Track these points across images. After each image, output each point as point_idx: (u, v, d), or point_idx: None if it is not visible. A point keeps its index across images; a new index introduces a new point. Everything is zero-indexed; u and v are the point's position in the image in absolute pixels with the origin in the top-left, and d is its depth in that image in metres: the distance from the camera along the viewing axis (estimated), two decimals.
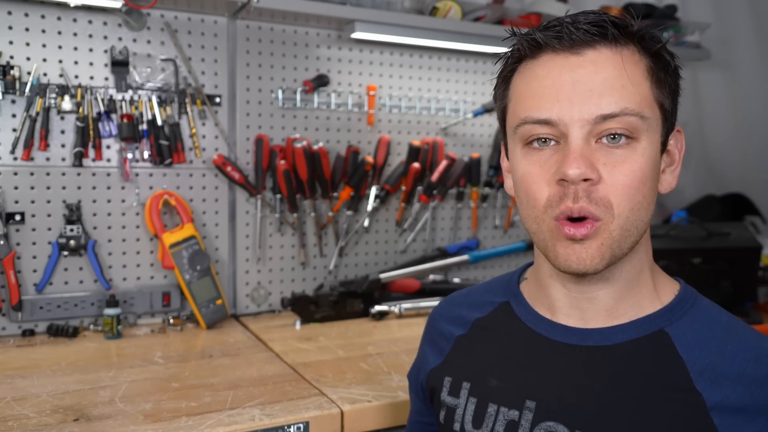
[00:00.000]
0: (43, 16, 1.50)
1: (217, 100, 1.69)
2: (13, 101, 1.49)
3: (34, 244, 1.53)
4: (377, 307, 1.71)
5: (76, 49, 1.54)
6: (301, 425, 1.06)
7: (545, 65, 0.71)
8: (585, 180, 0.67)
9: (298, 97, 1.79)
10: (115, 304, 1.52)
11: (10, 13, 1.47)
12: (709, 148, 2.57)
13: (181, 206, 1.62)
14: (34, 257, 1.53)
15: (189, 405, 1.09)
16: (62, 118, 1.54)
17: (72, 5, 1.50)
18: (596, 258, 0.69)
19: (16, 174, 1.50)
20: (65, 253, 1.55)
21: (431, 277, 1.93)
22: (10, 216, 1.49)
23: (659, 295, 0.76)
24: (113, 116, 1.58)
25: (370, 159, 1.82)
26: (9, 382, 1.19)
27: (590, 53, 0.69)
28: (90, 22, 1.55)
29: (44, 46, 1.51)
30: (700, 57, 2.21)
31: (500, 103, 0.79)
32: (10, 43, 1.48)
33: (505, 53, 0.77)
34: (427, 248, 2.01)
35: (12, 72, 1.47)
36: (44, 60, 1.51)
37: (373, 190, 1.88)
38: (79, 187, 1.56)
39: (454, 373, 0.85)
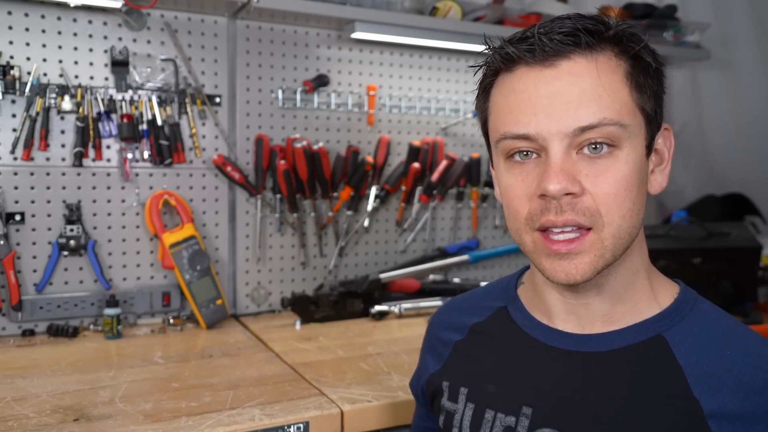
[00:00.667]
0: (43, 16, 1.50)
1: (217, 100, 1.69)
2: (13, 101, 1.49)
3: (34, 244, 1.53)
4: (377, 307, 1.71)
5: (76, 49, 1.54)
6: (301, 425, 1.06)
7: (521, 78, 0.70)
8: (568, 194, 0.66)
9: (298, 97, 1.79)
10: (115, 304, 1.52)
11: (10, 13, 1.47)
12: (709, 148, 2.57)
13: (181, 206, 1.62)
14: (34, 257, 1.53)
15: (189, 405, 1.09)
16: (62, 118, 1.54)
17: (72, 5, 1.50)
18: (588, 272, 0.68)
19: (16, 174, 1.50)
20: (65, 253, 1.55)
21: (431, 277, 1.93)
22: (10, 216, 1.49)
23: (657, 299, 0.75)
24: (113, 116, 1.58)
25: (370, 159, 1.82)
26: (9, 382, 1.19)
27: (565, 64, 0.68)
28: (90, 22, 1.55)
29: (44, 46, 1.51)
30: (700, 57, 2.21)
31: (481, 115, 0.78)
32: (10, 43, 1.48)
33: (480, 66, 0.76)
34: (427, 248, 2.01)
35: (12, 72, 1.47)
36: (44, 60, 1.51)
37: (373, 190, 1.88)
38: (79, 187, 1.56)
39: (453, 378, 0.85)
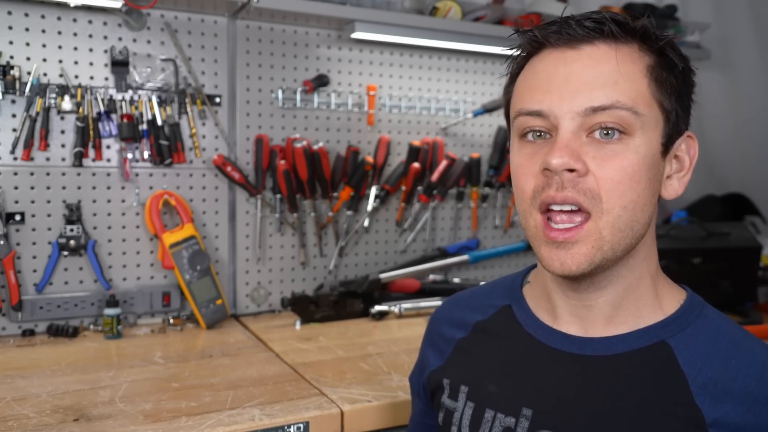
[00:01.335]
0: (43, 16, 1.50)
1: (217, 100, 1.69)
2: (13, 101, 1.49)
3: (34, 244, 1.53)
4: (377, 307, 1.71)
5: (76, 49, 1.54)
6: (301, 425, 1.06)
7: (543, 59, 0.72)
8: (571, 171, 0.66)
9: (298, 97, 1.79)
10: (115, 304, 1.52)
11: (10, 13, 1.47)
12: (709, 148, 2.57)
13: (181, 206, 1.62)
14: (34, 257, 1.53)
15: (189, 405, 1.09)
16: (62, 118, 1.54)
17: (72, 5, 1.50)
18: (583, 263, 0.68)
19: (16, 174, 1.50)
20: (65, 253, 1.55)
21: (431, 277, 1.93)
22: (10, 216, 1.49)
23: (662, 305, 0.74)
24: (113, 116, 1.58)
25: (370, 159, 1.82)
26: (9, 382, 1.19)
27: (587, 48, 0.69)
28: (90, 22, 1.55)
29: (44, 46, 1.51)
30: (700, 57, 2.21)
31: (505, 98, 0.79)
32: (10, 43, 1.48)
33: (512, 53, 0.77)
34: (427, 248, 2.01)
35: (12, 72, 1.47)
36: (44, 60, 1.51)
37: (373, 190, 1.88)
38: (79, 187, 1.56)
39: (454, 376, 0.85)
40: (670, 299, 0.76)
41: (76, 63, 1.54)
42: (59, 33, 1.52)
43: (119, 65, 1.57)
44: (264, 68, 1.75)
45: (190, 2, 1.59)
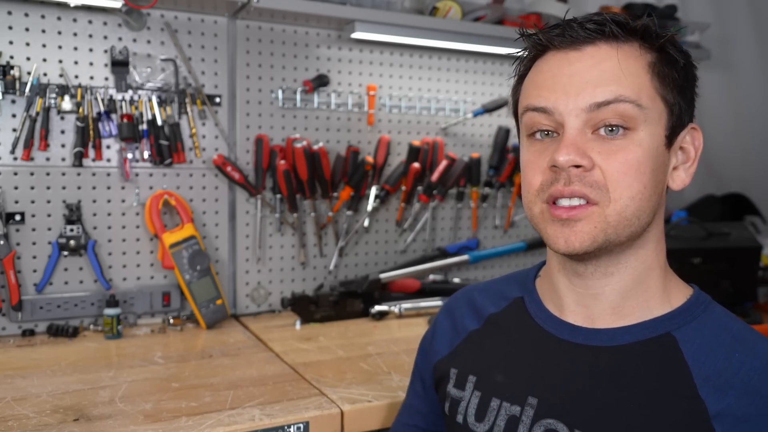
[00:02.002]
0: (43, 16, 1.50)
1: (217, 100, 1.69)
2: (13, 101, 1.49)
3: (34, 244, 1.53)
4: (377, 307, 1.71)
5: (76, 49, 1.54)
6: (301, 425, 1.06)
7: (548, 61, 0.75)
8: (577, 167, 0.69)
9: (298, 97, 1.79)
10: (115, 304, 1.52)
11: (10, 13, 1.47)
12: (709, 147, 2.57)
13: (181, 206, 1.62)
14: (34, 257, 1.53)
15: (189, 405, 1.09)
16: (62, 118, 1.54)
17: (72, 5, 1.50)
18: (586, 241, 0.70)
19: (16, 174, 1.50)
20: (65, 253, 1.55)
21: (431, 277, 1.93)
22: (10, 216, 1.49)
23: (670, 299, 0.76)
24: (113, 116, 1.58)
25: (370, 159, 1.82)
26: (9, 382, 1.19)
27: (589, 49, 0.72)
28: (90, 22, 1.55)
29: (44, 46, 1.51)
30: (700, 57, 2.20)
31: (514, 99, 0.82)
32: (10, 43, 1.48)
33: (520, 55, 0.80)
34: (427, 248, 2.01)
35: (12, 72, 1.47)
36: (44, 60, 1.51)
37: (373, 190, 1.88)
38: (79, 187, 1.56)
39: (461, 365, 0.86)
40: (678, 293, 0.77)
41: (76, 63, 1.54)
42: (59, 33, 1.52)
43: (119, 65, 1.57)
44: (264, 68, 1.75)
45: (190, 2, 1.59)
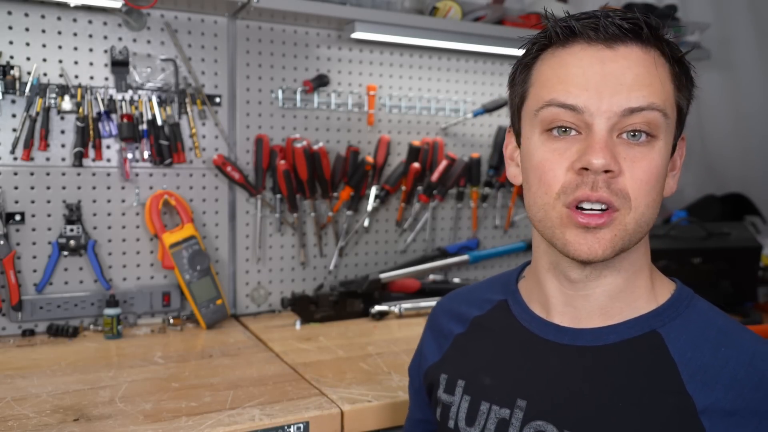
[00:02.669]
0: (43, 16, 1.50)
1: (217, 100, 1.69)
2: (13, 101, 1.49)
3: (34, 244, 1.53)
4: (377, 307, 1.71)
5: (76, 49, 1.54)
6: (301, 425, 1.06)
7: (576, 54, 0.70)
8: (606, 171, 0.67)
9: (298, 97, 1.79)
10: (115, 304, 1.52)
11: (10, 13, 1.47)
12: (709, 148, 2.57)
13: (181, 206, 1.62)
14: (34, 257, 1.53)
15: (189, 405, 1.09)
16: (62, 118, 1.54)
17: (72, 5, 1.50)
18: (608, 249, 0.69)
19: (16, 174, 1.50)
20: (65, 253, 1.55)
21: (431, 277, 1.93)
22: (10, 216, 1.49)
23: (656, 296, 0.76)
24: (113, 116, 1.58)
25: (370, 159, 1.82)
26: (9, 382, 1.19)
27: (622, 49, 0.69)
28: (90, 22, 1.55)
29: (44, 46, 1.51)
30: (700, 57, 2.20)
31: (519, 88, 0.77)
32: (10, 43, 1.48)
33: (533, 37, 0.76)
34: (427, 248, 2.01)
35: (12, 72, 1.47)
36: (44, 60, 1.51)
37: (373, 190, 1.88)
38: (79, 187, 1.56)
39: (451, 370, 0.86)
40: (662, 290, 0.77)
41: (76, 63, 1.54)
42: (59, 33, 1.52)
43: (119, 65, 1.57)
44: (264, 68, 1.75)
45: (190, 2, 1.59)
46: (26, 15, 1.49)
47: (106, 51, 1.57)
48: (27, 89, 1.48)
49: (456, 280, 1.97)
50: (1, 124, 1.48)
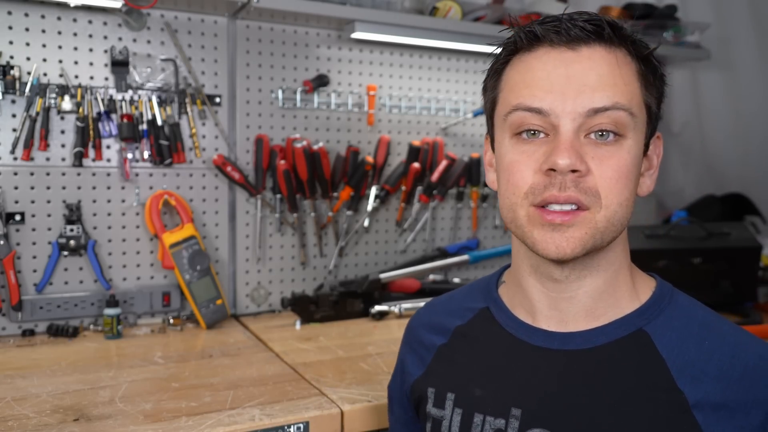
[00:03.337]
0: (43, 16, 1.50)
1: (217, 100, 1.69)
2: (13, 101, 1.49)
3: (34, 244, 1.53)
4: (377, 307, 1.71)
5: (76, 49, 1.54)
6: (301, 425, 1.06)
7: (540, 58, 0.72)
8: (573, 171, 0.68)
9: (298, 97, 1.79)
10: (115, 304, 1.52)
11: (10, 13, 1.47)
12: (709, 148, 2.57)
13: (181, 206, 1.62)
14: (34, 257, 1.53)
15: (189, 405, 1.09)
16: (62, 118, 1.54)
17: (72, 5, 1.50)
18: (578, 247, 0.69)
19: (16, 174, 1.50)
20: (65, 253, 1.55)
21: (431, 277, 1.93)
22: (10, 216, 1.49)
23: (638, 294, 0.77)
24: (113, 116, 1.58)
25: (370, 159, 1.82)
26: (9, 382, 1.19)
27: (585, 50, 0.70)
28: (90, 22, 1.55)
29: (44, 46, 1.51)
30: (700, 57, 2.21)
31: (490, 94, 0.80)
32: (10, 43, 1.48)
33: (501, 44, 0.77)
34: (427, 248, 2.01)
35: (12, 72, 1.47)
36: (44, 60, 1.51)
37: (373, 190, 1.88)
38: (79, 187, 1.56)
39: (438, 384, 0.84)
40: (644, 287, 0.78)
41: (76, 63, 1.54)
42: (59, 33, 1.52)
43: (119, 65, 1.57)
44: (264, 68, 1.75)
45: (190, 2, 1.59)
46: (26, 15, 1.49)
47: (106, 51, 1.57)
48: (27, 89, 1.48)
49: (456, 280, 1.97)
50: (1, 124, 1.48)
